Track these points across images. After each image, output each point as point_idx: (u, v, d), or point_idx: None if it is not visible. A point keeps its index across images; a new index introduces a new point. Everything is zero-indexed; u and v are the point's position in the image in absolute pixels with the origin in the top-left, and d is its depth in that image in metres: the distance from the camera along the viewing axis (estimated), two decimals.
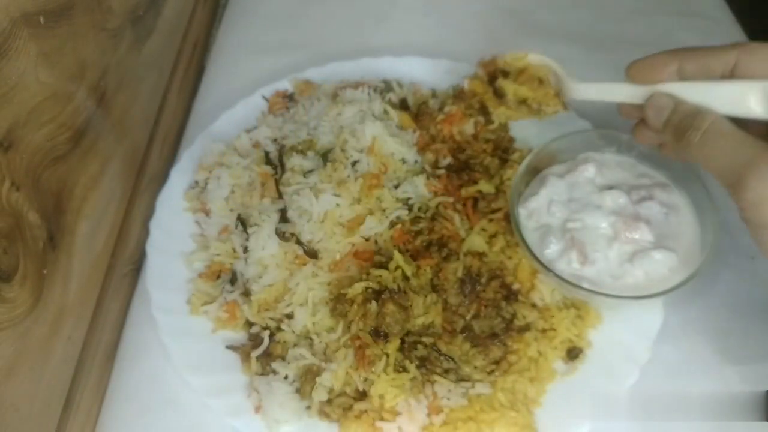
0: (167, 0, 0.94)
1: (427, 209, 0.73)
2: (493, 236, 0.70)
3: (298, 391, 0.64)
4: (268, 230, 0.71)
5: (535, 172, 0.71)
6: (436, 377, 0.62)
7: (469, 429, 0.60)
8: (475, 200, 0.73)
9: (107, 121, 0.74)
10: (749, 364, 0.65)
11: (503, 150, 0.78)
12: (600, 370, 0.64)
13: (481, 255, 0.69)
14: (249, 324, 0.69)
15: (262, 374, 0.66)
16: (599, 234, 0.64)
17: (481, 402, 0.62)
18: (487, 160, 0.77)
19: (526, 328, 0.66)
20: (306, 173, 0.74)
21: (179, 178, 0.81)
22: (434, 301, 0.66)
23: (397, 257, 0.68)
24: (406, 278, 0.67)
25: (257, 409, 0.64)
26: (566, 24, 1.02)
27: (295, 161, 0.75)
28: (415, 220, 0.72)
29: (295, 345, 0.67)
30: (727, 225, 0.64)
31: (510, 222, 0.67)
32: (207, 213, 0.77)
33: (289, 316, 0.68)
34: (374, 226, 0.71)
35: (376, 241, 0.71)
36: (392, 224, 0.71)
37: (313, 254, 0.70)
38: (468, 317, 0.66)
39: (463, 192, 0.74)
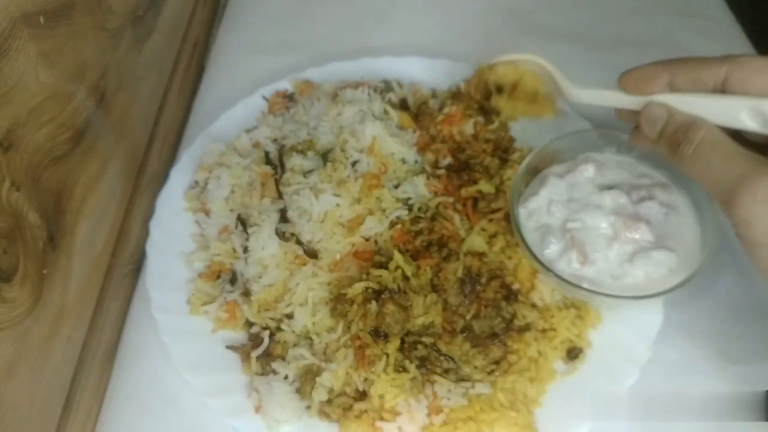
0: (167, 0, 0.94)
1: (427, 209, 0.73)
2: (493, 236, 0.70)
3: (298, 391, 0.64)
4: (268, 230, 0.71)
5: (535, 172, 0.71)
6: (436, 377, 0.63)
7: (469, 429, 0.60)
8: (475, 200, 0.73)
9: (107, 121, 0.74)
10: (749, 364, 0.65)
11: (503, 150, 0.78)
12: (600, 370, 0.64)
13: (481, 255, 0.69)
14: (249, 324, 0.69)
15: (262, 374, 0.66)
16: (599, 234, 0.64)
17: (481, 402, 0.62)
18: (487, 160, 0.77)
19: (526, 328, 0.66)
20: (306, 173, 0.74)
21: (179, 178, 0.81)
22: (434, 301, 0.66)
23: (397, 257, 0.68)
24: (406, 278, 0.67)
25: (257, 409, 0.64)
26: (566, 24, 1.02)
27: (295, 161, 0.75)
28: (415, 220, 0.72)
29: (295, 345, 0.67)
30: (727, 225, 0.65)
31: (510, 222, 0.67)
32: (207, 213, 0.77)
33: (289, 316, 0.68)
34: (374, 226, 0.71)
35: (376, 241, 0.71)
36: (392, 224, 0.71)
37: (313, 254, 0.70)
38: (468, 317, 0.66)
39: (463, 192, 0.74)
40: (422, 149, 0.79)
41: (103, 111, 0.73)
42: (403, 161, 0.77)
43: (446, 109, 0.81)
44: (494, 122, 0.81)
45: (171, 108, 0.94)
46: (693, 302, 0.69)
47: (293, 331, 0.67)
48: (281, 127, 0.83)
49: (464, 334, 0.65)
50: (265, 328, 0.68)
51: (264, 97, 0.90)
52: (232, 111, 0.88)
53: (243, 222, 0.73)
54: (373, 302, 0.65)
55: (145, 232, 0.76)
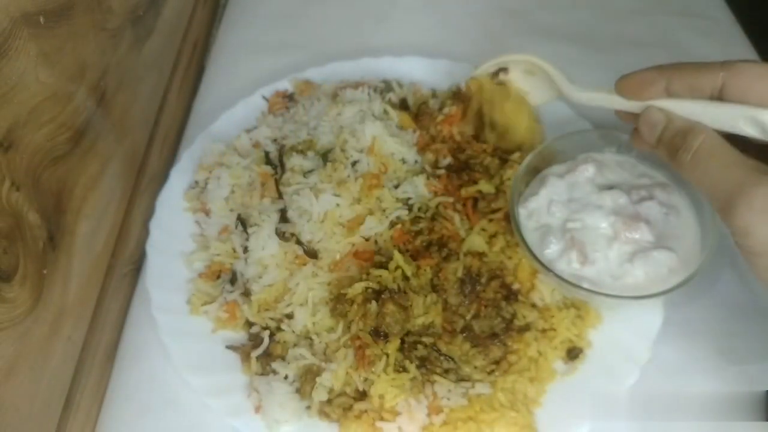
0: (167, 0, 0.94)
1: (427, 209, 0.73)
2: (493, 236, 0.70)
3: (298, 391, 0.64)
4: (268, 230, 0.71)
5: (535, 172, 0.71)
6: (436, 377, 0.63)
7: (469, 429, 0.60)
8: (475, 200, 0.73)
9: (107, 121, 0.74)
10: (749, 364, 0.65)
11: (503, 150, 0.78)
12: (600, 370, 0.64)
13: (481, 255, 0.69)
14: (249, 324, 0.69)
15: (262, 374, 0.66)
16: (599, 234, 0.64)
17: (481, 402, 0.62)
18: (487, 160, 0.77)
19: (526, 328, 0.66)
20: (306, 173, 0.74)
21: (179, 178, 0.81)
22: (434, 301, 0.66)
23: (397, 257, 0.68)
24: (406, 278, 0.67)
25: (257, 409, 0.64)
26: (566, 24, 1.02)
27: (295, 161, 0.75)
28: (415, 220, 0.72)
29: (295, 345, 0.67)
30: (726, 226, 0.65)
31: (510, 222, 0.67)
32: (207, 213, 0.77)
33: (289, 316, 0.68)
34: (374, 226, 0.71)
35: (376, 241, 0.71)
36: (392, 224, 0.71)
37: (313, 254, 0.70)
38: (468, 317, 0.66)
39: (463, 192, 0.74)
40: (422, 149, 0.79)
41: (103, 111, 0.73)
42: (403, 161, 0.77)
43: (446, 109, 0.81)
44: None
45: (171, 108, 0.94)
46: (693, 302, 0.69)
47: (293, 331, 0.67)
48: (281, 127, 0.83)
49: (464, 334, 0.65)
50: (265, 328, 0.68)
51: (264, 97, 0.90)
52: (232, 111, 0.88)
53: (243, 222, 0.73)
54: (373, 302, 0.65)
55: (145, 232, 0.76)
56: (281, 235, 0.70)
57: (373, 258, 0.69)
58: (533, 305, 0.67)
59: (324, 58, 0.93)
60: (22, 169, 0.56)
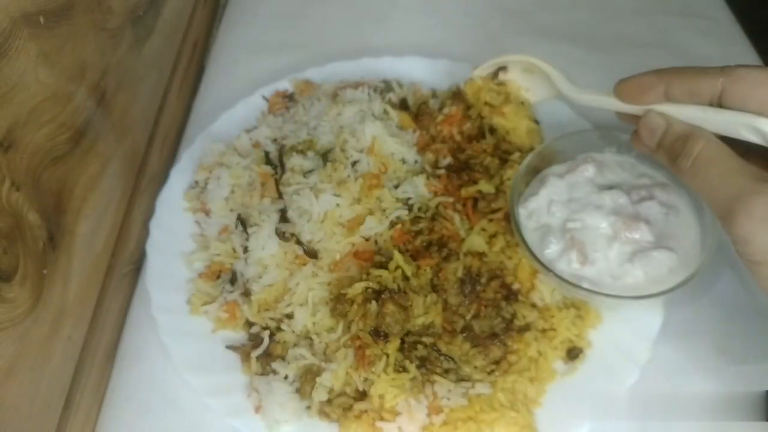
0: (167, 0, 0.94)
1: (427, 209, 0.73)
2: (493, 236, 0.70)
3: (298, 391, 0.64)
4: (268, 230, 0.71)
5: (535, 172, 0.71)
6: (436, 377, 0.63)
7: (469, 429, 0.60)
8: (475, 200, 0.73)
9: (107, 121, 0.74)
10: (749, 364, 0.65)
11: (503, 150, 0.78)
12: (600, 370, 0.64)
13: (481, 255, 0.69)
14: (249, 324, 0.69)
15: (262, 374, 0.66)
16: (599, 234, 0.64)
17: (481, 402, 0.62)
18: (487, 160, 0.77)
19: (526, 328, 0.66)
20: (306, 173, 0.74)
21: (179, 178, 0.81)
22: (434, 301, 0.66)
23: (397, 257, 0.68)
24: (406, 278, 0.67)
25: (257, 409, 0.64)
26: (566, 24, 1.02)
27: (295, 161, 0.75)
28: (415, 220, 0.72)
29: (295, 345, 0.67)
30: None
31: (510, 222, 0.67)
32: (207, 213, 0.77)
33: (289, 316, 0.68)
34: (374, 226, 0.71)
35: (376, 241, 0.71)
36: (392, 224, 0.71)
37: (313, 254, 0.70)
38: (468, 317, 0.66)
39: (463, 192, 0.74)
40: (422, 149, 0.79)
41: (103, 111, 0.73)
42: (403, 161, 0.77)
43: (446, 109, 0.81)
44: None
45: (171, 108, 0.94)
46: (693, 302, 0.69)
47: (293, 331, 0.67)
48: (281, 127, 0.83)
49: (464, 334, 0.65)
50: (265, 328, 0.68)
51: (264, 97, 0.90)
52: (232, 111, 0.88)
53: (243, 222, 0.73)
54: (373, 302, 0.65)
55: (145, 232, 0.76)
56: (281, 235, 0.70)
57: (373, 258, 0.69)
58: (533, 305, 0.67)
59: (324, 58, 0.93)
60: (22, 169, 0.56)
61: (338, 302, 0.67)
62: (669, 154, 0.54)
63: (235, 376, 0.67)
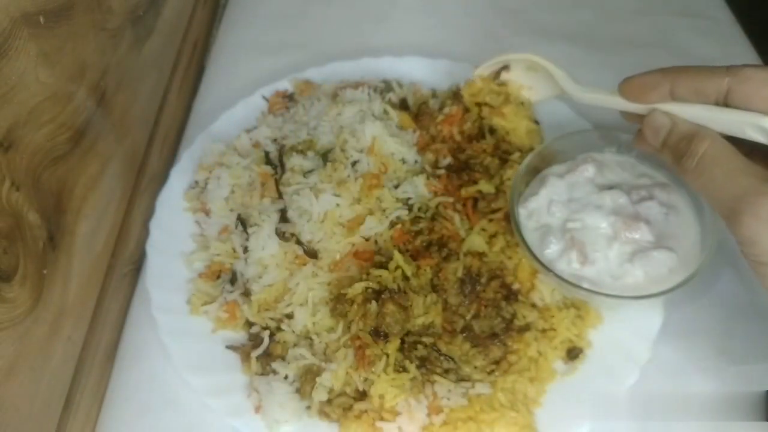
0: (167, 0, 0.94)
1: (427, 209, 0.73)
2: (493, 236, 0.70)
3: (298, 391, 0.64)
4: (268, 230, 0.71)
5: (535, 172, 0.71)
6: (436, 377, 0.62)
7: (469, 429, 0.60)
8: (475, 200, 0.73)
9: (107, 121, 0.74)
10: (749, 364, 0.65)
11: (503, 150, 0.78)
12: (600, 370, 0.64)
13: (481, 255, 0.69)
14: (249, 324, 0.69)
15: (262, 374, 0.66)
16: (599, 234, 0.64)
17: (481, 402, 0.62)
18: (487, 160, 0.77)
19: (526, 328, 0.66)
20: (306, 173, 0.74)
21: (179, 178, 0.81)
22: (434, 301, 0.66)
23: (397, 257, 0.68)
24: (406, 278, 0.67)
25: (257, 409, 0.64)
26: (566, 24, 1.02)
27: (295, 161, 0.75)
28: (415, 220, 0.72)
29: (295, 345, 0.67)
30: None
31: (510, 222, 0.67)
32: (207, 213, 0.77)
33: (289, 316, 0.68)
34: (374, 226, 0.71)
35: (376, 241, 0.71)
36: (392, 224, 0.71)
37: (313, 254, 0.70)
38: (468, 317, 0.66)
39: (463, 192, 0.74)
40: (422, 149, 0.79)
41: (103, 111, 0.73)
42: (403, 161, 0.77)
43: (446, 109, 0.81)
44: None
45: (171, 108, 0.94)
46: (693, 302, 0.69)
47: (293, 331, 0.67)
48: (281, 127, 0.83)
49: (464, 334, 0.65)
50: (265, 328, 0.68)
51: (264, 97, 0.90)
52: (232, 111, 0.88)
53: (243, 222, 0.73)
54: (373, 302, 0.65)
55: (145, 232, 0.76)
56: (281, 235, 0.70)
57: (373, 258, 0.69)
58: (533, 305, 0.67)
59: (324, 58, 0.93)
60: (22, 169, 0.56)
61: (338, 302, 0.67)
62: (674, 153, 0.54)
63: (235, 376, 0.67)
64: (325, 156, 0.75)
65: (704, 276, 0.60)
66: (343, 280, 0.68)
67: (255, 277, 0.70)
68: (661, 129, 0.55)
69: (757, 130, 0.50)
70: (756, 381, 0.63)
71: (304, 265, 0.70)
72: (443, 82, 0.87)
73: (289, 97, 0.89)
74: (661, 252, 0.61)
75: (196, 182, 0.81)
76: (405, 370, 0.63)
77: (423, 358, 0.63)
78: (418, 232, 0.71)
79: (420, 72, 0.91)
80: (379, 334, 0.64)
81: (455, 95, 0.82)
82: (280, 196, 0.74)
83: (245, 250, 0.71)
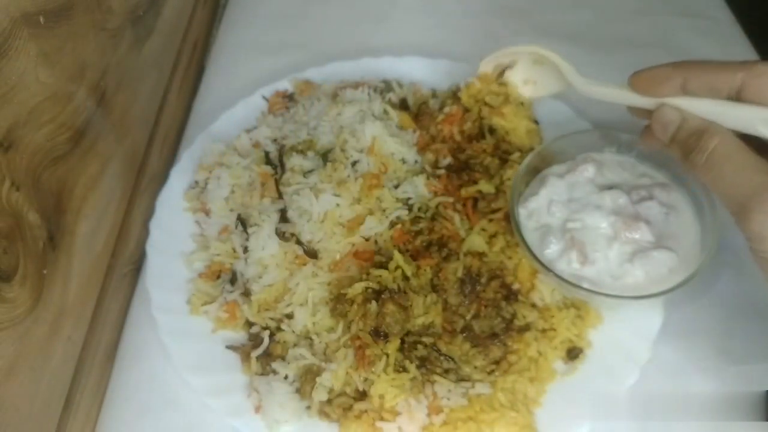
0: (167, 0, 0.94)
1: (427, 209, 0.73)
2: (493, 236, 0.70)
3: (298, 391, 0.64)
4: (268, 230, 0.71)
5: (535, 172, 0.71)
6: (436, 377, 0.63)
7: (469, 429, 0.60)
8: (475, 200, 0.73)
9: (107, 121, 0.74)
10: (749, 364, 0.65)
11: (503, 150, 0.78)
12: (600, 370, 0.64)
13: (481, 255, 0.69)
14: (249, 324, 0.69)
15: (262, 374, 0.66)
16: (599, 234, 0.64)
17: (481, 402, 0.62)
18: (487, 160, 0.77)
19: (526, 328, 0.66)
20: (306, 173, 0.74)
21: (179, 178, 0.81)
22: (434, 301, 0.66)
23: (397, 257, 0.68)
24: (406, 278, 0.67)
25: (257, 409, 0.64)
26: (567, 24, 1.02)
27: (295, 161, 0.75)
28: (415, 220, 0.72)
29: (295, 345, 0.67)
30: (727, 225, 0.64)
31: (510, 222, 0.67)
32: (207, 213, 0.77)
33: (289, 316, 0.68)
34: (374, 226, 0.71)
35: (376, 241, 0.71)
36: (392, 224, 0.71)
37: (313, 254, 0.70)
38: (468, 317, 0.66)
39: (463, 192, 0.74)
40: (422, 149, 0.79)
41: (103, 111, 0.73)
42: (403, 161, 0.77)
43: (446, 109, 0.81)
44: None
45: (171, 108, 0.94)
46: (693, 302, 0.69)
47: (293, 331, 0.67)
48: (281, 127, 0.83)
49: (464, 334, 0.65)
50: (265, 328, 0.68)
51: (264, 97, 0.90)
52: (232, 111, 0.88)
53: (243, 222, 0.73)
54: (373, 302, 0.65)
55: (145, 232, 0.76)
56: (281, 235, 0.70)
57: (373, 258, 0.69)
58: (533, 305, 0.67)
59: (324, 58, 0.93)
60: (22, 169, 0.56)
61: (338, 302, 0.67)
62: (683, 148, 0.54)
63: (235, 376, 0.67)
64: (325, 156, 0.75)
65: (704, 276, 0.60)
66: (343, 280, 0.68)
67: (255, 277, 0.70)
68: (671, 124, 0.55)
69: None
70: (756, 381, 0.63)
71: (304, 265, 0.70)
72: (443, 82, 0.87)
73: (289, 97, 0.89)
74: (661, 252, 0.61)
75: (196, 182, 0.81)
76: (405, 370, 0.63)
77: (423, 358, 0.63)
78: (418, 232, 0.71)
79: (420, 72, 0.90)
80: (379, 334, 0.64)
81: (455, 95, 0.82)
82: (280, 196, 0.74)
83: (245, 250, 0.71)
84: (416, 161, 0.78)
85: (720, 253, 0.60)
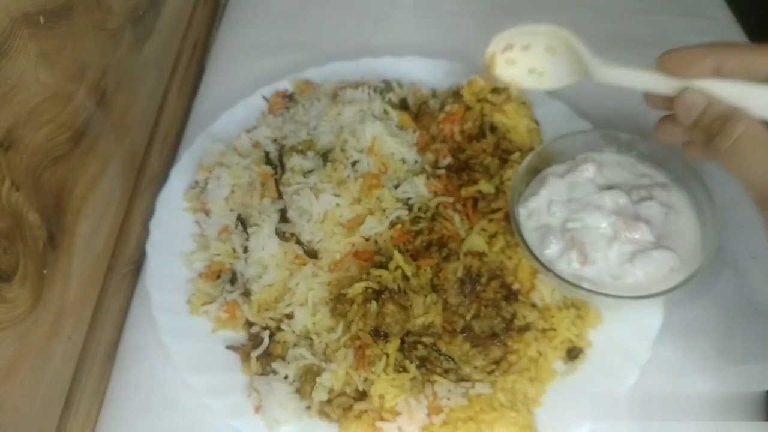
0: (167, 0, 0.94)
1: (427, 209, 0.73)
2: (493, 236, 0.70)
3: (298, 391, 0.64)
4: (268, 230, 0.71)
5: (535, 172, 0.71)
6: (436, 377, 0.62)
7: (469, 429, 0.60)
8: (475, 200, 0.73)
9: (107, 121, 0.74)
10: (749, 364, 0.65)
11: (503, 149, 0.78)
12: (600, 370, 0.64)
13: (481, 255, 0.69)
14: (249, 324, 0.69)
15: (262, 374, 0.66)
16: (599, 234, 0.64)
17: (481, 402, 0.62)
18: (487, 160, 0.77)
19: (526, 328, 0.66)
20: (306, 173, 0.74)
21: (179, 178, 0.81)
22: (434, 301, 0.66)
23: (397, 257, 0.68)
24: (406, 278, 0.67)
25: (257, 409, 0.64)
26: (566, 24, 1.01)
27: (295, 161, 0.75)
28: (415, 220, 0.72)
29: (295, 345, 0.67)
30: (727, 225, 0.64)
31: (510, 222, 0.67)
32: (207, 213, 0.77)
33: (289, 316, 0.68)
34: (374, 226, 0.71)
35: (376, 241, 0.71)
36: (392, 224, 0.71)
37: (313, 254, 0.70)
38: (468, 317, 0.66)
39: (463, 192, 0.74)
40: (422, 149, 0.79)
41: (103, 111, 0.73)
42: (403, 161, 0.77)
43: (447, 107, 0.81)
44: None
45: (171, 108, 0.94)
46: (693, 302, 0.69)
47: (293, 331, 0.67)
48: (281, 127, 0.83)
49: (464, 334, 0.65)
50: (265, 328, 0.68)
51: (264, 97, 0.90)
52: (232, 111, 0.88)
53: (243, 222, 0.73)
54: (373, 302, 0.65)
55: (145, 232, 0.76)
56: (281, 235, 0.70)
57: (373, 258, 0.69)
58: (533, 305, 0.67)
59: (324, 58, 0.93)
60: (22, 169, 0.56)
61: (338, 302, 0.67)
62: (706, 133, 0.52)
63: (235, 376, 0.67)
64: (325, 156, 0.75)
65: (704, 276, 0.60)
66: (343, 280, 0.68)
67: (255, 277, 0.70)
68: (696, 107, 0.53)
69: None
70: (756, 381, 0.63)
71: (304, 265, 0.70)
72: (443, 82, 0.87)
73: (289, 97, 0.89)
74: (661, 252, 0.61)
75: (196, 182, 0.81)
76: (405, 370, 0.63)
77: (423, 358, 0.63)
78: (418, 232, 0.71)
79: (420, 72, 0.90)
80: (379, 334, 0.64)
81: (456, 94, 0.82)
82: (280, 196, 0.74)
83: (245, 250, 0.71)
84: (416, 161, 0.78)
85: (720, 253, 0.60)
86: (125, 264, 0.77)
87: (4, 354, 0.53)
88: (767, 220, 0.48)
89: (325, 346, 0.66)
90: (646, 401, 0.63)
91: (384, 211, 0.72)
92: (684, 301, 0.68)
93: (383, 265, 0.68)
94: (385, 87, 0.86)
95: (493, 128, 0.78)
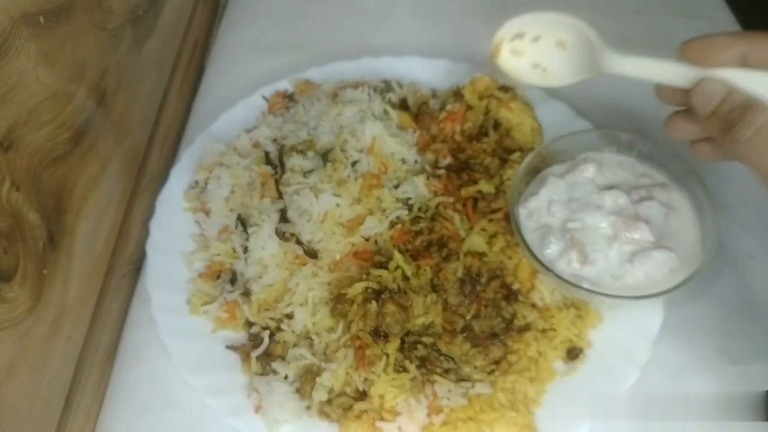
0: (167, 0, 0.94)
1: (427, 209, 0.73)
2: (493, 236, 0.70)
3: (298, 391, 0.64)
4: (268, 230, 0.71)
5: (535, 172, 0.71)
6: (436, 377, 0.63)
7: (469, 429, 0.60)
8: (475, 200, 0.73)
9: (107, 121, 0.74)
10: (749, 364, 0.65)
11: (505, 147, 0.78)
12: (600, 370, 0.64)
13: (481, 255, 0.69)
14: (249, 324, 0.69)
15: (262, 374, 0.66)
16: (599, 234, 0.64)
17: (481, 402, 0.62)
18: (487, 160, 0.77)
19: (526, 328, 0.66)
20: (306, 173, 0.74)
21: (179, 178, 0.81)
22: (434, 301, 0.66)
23: (397, 257, 0.68)
24: (406, 278, 0.67)
25: (257, 409, 0.64)
26: None
27: (295, 161, 0.75)
28: (415, 220, 0.72)
29: (295, 345, 0.67)
30: (727, 225, 0.64)
31: (510, 222, 0.67)
32: (207, 213, 0.77)
33: (289, 316, 0.68)
34: (374, 226, 0.71)
35: (376, 241, 0.71)
36: (392, 224, 0.71)
37: (313, 254, 0.70)
38: (468, 317, 0.66)
39: (463, 192, 0.74)
40: (422, 149, 0.79)
41: (103, 111, 0.73)
42: (403, 161, 0.77)
43: (449, 106, 0.81)
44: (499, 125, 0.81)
45: (171, 108, 0.94)
46: (693, 302, 0.69)
47: (293, 331, 0.67)
48: (281, 127, 0.83)
49: (464, 334, 0.65)
50: (265, 328, 0.68)
51: (264, 97, 0.90)
52: (232, 111, 0.88)
53: (243, 222, 0.73)
54: (373, 302, 0.65)
55: (145, 232, 0.76)
56: (281, 235, 0.70)
57: (373, 258, 0.69)
58: (533, 305, 0.67)
59: (324, 58, 0.93)
60: (22, 169, 0.56)
61: (338, 302, 0.67)
62: (724, 122, 0.51)
63: (235, 376, 0.67)
64: (325, 156, 0.75)
65: (704, 276, 0.60)
66: (343, 280, 0.68)
67: (255, 277, 0.70)
68: (715, 96, 0.51)
69: None
70: (756, 381, 0.63)
71: (304, 265, 0.70)
72: (443, 82, 0.87)
73: (289, 97, 0.89)
74: (661, 252, 0.61)
75: (196, 182, 0.81)
76: (405, 370, 0.63)
77: (423, 358, 0.63)
78: (418, 232, 0.71)
79: (420, 72, 0.90)
80: (379, 334, 0.64)
81: (457, 93, 0.82)
82: (280, 196, 0.74)
83: (245, 250, 0.71)
84: (416, 161, 0.78)
85: (720, 253, 0.60)
86: (125, 264, 0.77)
87: (4, 354, 0.53)
88: None
89: (325, 346, 0.66)
90: (646, 401, 0.63)
91: (384, 211, 0.72)
92: (684, 301, 0.68)
93: (383, 265, 0.68)
94: (385, 87, 0.86)
95: (497, 125, 0.78)
